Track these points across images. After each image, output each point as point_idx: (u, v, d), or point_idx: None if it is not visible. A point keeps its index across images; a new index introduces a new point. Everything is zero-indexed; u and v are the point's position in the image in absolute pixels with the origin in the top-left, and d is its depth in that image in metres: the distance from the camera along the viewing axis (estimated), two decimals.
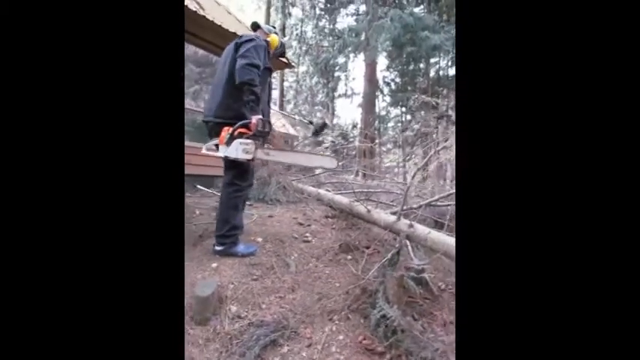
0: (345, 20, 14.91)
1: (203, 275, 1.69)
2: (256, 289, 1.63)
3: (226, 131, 1.78)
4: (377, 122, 12.53)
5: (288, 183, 3.52)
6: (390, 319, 1.38)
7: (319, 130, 2.36)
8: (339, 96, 18.06)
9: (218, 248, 1.88)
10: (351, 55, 12.90)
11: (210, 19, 4.02)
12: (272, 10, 14.81)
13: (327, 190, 3.34)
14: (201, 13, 3.92)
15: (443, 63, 13.51)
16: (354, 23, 12.22)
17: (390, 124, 16.73)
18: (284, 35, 14.31)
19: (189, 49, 4.36)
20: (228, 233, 1.87)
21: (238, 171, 1.92)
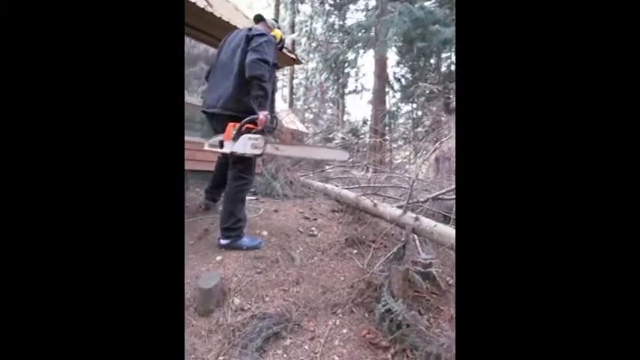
0: (354, 16, 14.80)
1: (208, 268, 1.70)
2: (260, 282, 1.63)
3: (232, 127, 1.76)
4: (387, 118, 12.39)
5: (295, 178, 3.51)
6: (395, 313, 1.36)
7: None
8: (350, 92, 17.96)
9: (223, 242, 1.88)
10: (361, 51, 12.79)
11: (218, 15, 4.03)
12: (281, 6, 14.80)
13: (335, 186, 3.32)
14: (209, 10, 3.94)
15: (454, 57, 13.27)
16: (364, 19, 12.10)
17: (401, 121, 16.54)
18: (293, 32, 14.29)
19: (200, 48, 4.38)
20: (233, 226, 1.87)
21: (245, 165, 1.92)
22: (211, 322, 1.37)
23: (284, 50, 4.43)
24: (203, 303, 1.42)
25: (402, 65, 14.30)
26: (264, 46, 1.78)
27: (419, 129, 16.55)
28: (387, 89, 12.78)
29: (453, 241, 1.57)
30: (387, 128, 13.68)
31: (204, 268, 1.70)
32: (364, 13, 13.41)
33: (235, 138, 1.75)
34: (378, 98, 11.54)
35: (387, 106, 13.12)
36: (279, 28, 2.19)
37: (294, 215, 2.56)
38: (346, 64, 14.58)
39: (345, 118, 19.53)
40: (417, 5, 9.23)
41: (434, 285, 1.66)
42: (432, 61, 12.72)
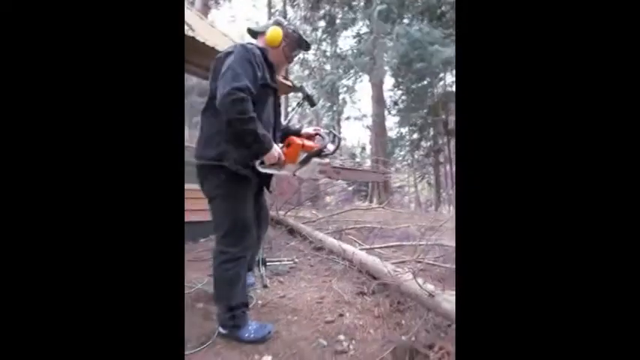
0: (346, 42, 14.73)
1: None
2: None
3: (300, 148, 1.49)
4: (390, 147, 11.93)
5: (308, 233, 2.75)
6: None
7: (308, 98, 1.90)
8: (347, 118, 17.64)
9: (222, 331, 1.46)
10: (357, 76, 12.48)
11: (202, 40, 3.45)
12: None
13: (355, 246, 2.56)
14: (191, 34, 3.34)
15: (449, 79, 12.90)
16: (356, 44, 11.88)
17: (400, 143, 16.11)
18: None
19: (193, 80, 3.79)
20: (226, 315, 1.43)
21: (226, 234, 1.43)
22: None
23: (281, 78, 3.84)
24: None
25: (398, 88, 13.98)
26: (234, 67, 1.30)
27: (419, 152, 16.09)
28: (385, 113, 12.31)
29: None
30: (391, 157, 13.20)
31: None
32: (355, 39, 13.22)
33: (304, 162, 1.50)
34: (378, 124, 11.05)
35: (386, 129, 12.62)
36: (279, 24, 1.53)
37: (309, 307, 1.79)
38: (342, 90, 14.29)
39: (342, 143, 19.16)
40: (414, 28, 8.92)
41: None
42: (426, 81, 12.30)
